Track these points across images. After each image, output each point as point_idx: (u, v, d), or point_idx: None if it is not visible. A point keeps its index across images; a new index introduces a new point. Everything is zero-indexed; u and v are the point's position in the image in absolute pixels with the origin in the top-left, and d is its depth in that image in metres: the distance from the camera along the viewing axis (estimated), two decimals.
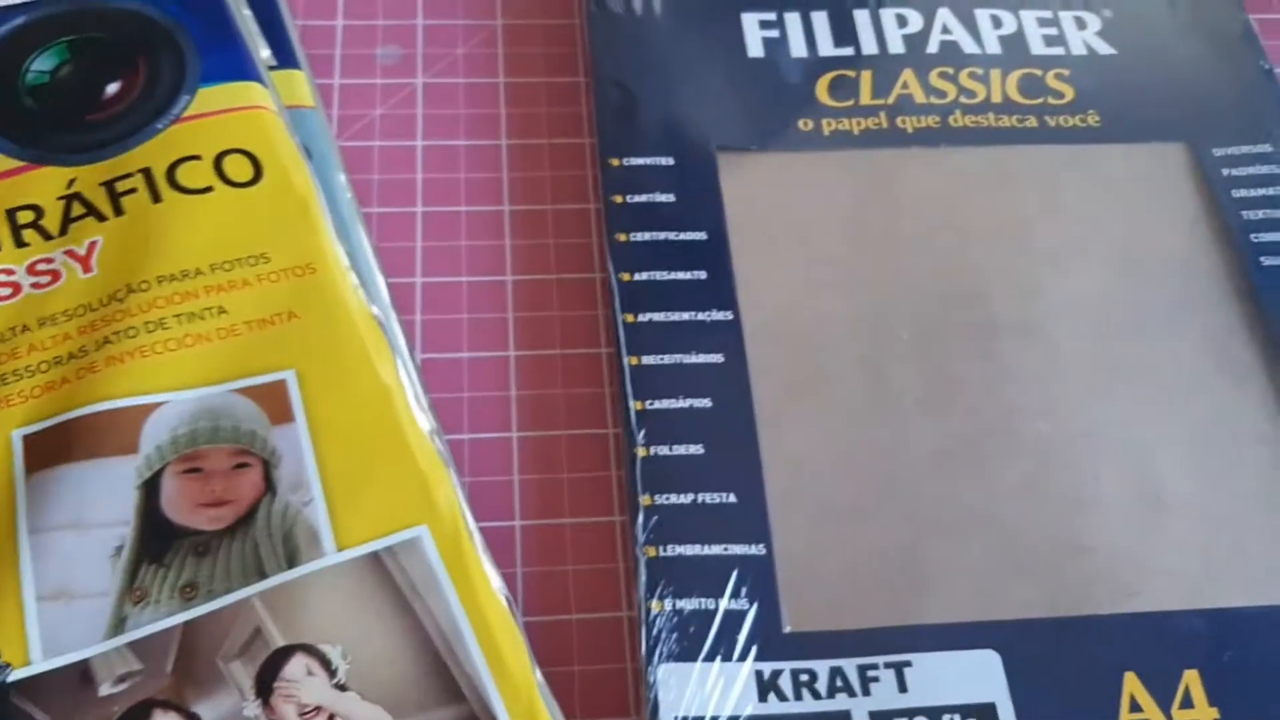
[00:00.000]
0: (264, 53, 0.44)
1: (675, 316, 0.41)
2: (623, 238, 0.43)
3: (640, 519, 0.38)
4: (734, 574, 0.37)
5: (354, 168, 0.45)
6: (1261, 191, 0.46)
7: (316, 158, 0.42)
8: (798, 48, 0.48)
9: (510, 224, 0.45)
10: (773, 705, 0.35)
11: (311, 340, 0.37)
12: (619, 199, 0.44)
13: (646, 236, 0.43)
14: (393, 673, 0.33)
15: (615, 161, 0.45)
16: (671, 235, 0.43)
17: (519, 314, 0.43)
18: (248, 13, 0.44)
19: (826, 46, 0.49)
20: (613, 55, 0.47)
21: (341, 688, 0.32)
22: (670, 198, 0.44)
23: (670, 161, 0.45)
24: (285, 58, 0.44)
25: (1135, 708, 0.35)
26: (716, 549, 0.37)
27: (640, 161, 0.45)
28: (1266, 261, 0.44)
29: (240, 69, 0.42)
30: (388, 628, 0.33)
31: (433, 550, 0.34)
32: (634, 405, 0.40)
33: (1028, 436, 0.40)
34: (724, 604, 0.36)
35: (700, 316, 0.41)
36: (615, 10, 0.48)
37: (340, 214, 0.41)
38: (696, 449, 0.39)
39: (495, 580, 0.35)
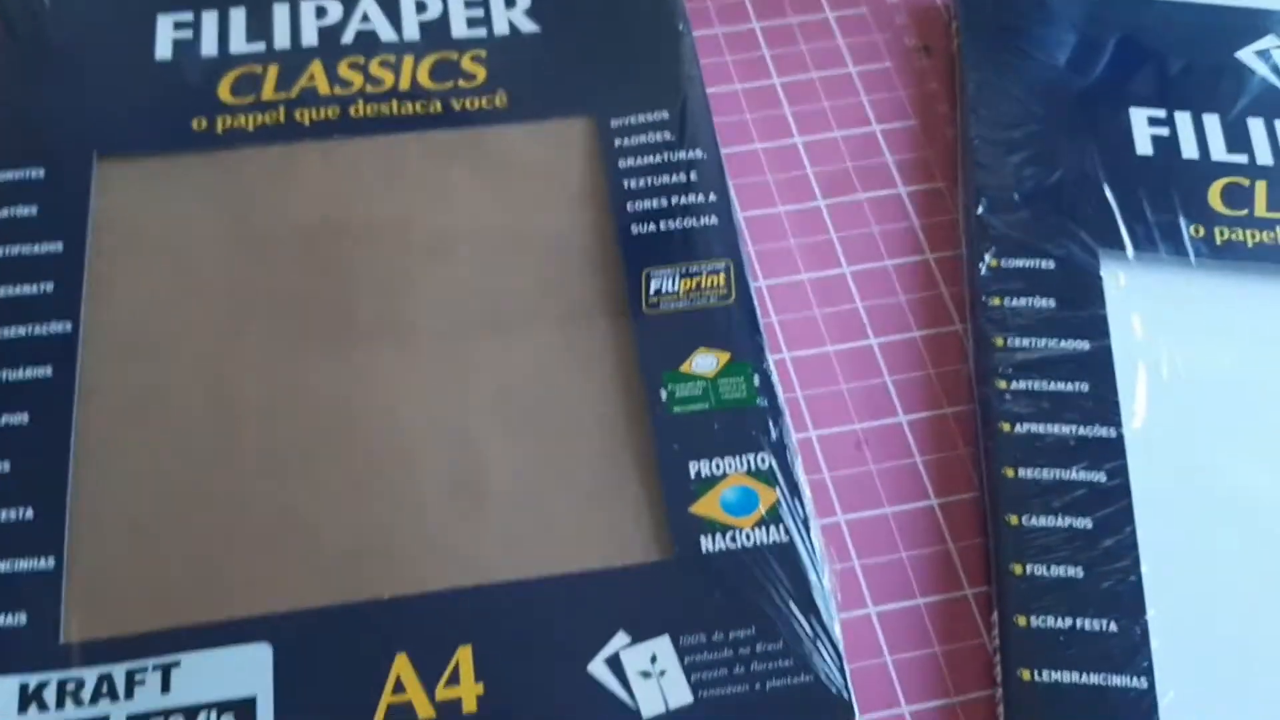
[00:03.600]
0: None
1: (9, 333, 0.41)
2: None
3: None
4: (14, 590, 0.37)
5: None
6: (645, 159, 0.46)
7: None
8: (209, 47, 0.48)
9: None
10: (32, 715, 0.35)
11: None
12: None
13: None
14: None
15: None
16: (26, 249, 0.43)
17: None
18: None
19: (239, 43, 0.48)
20: (5, 64, 0.47)
21: None
22: (32, 210, 0.43)
23: (40, 173, 0.44)
24: None
25: (399, 688, 0.36)
26: (1, 566, 0.37)
27: (9, 176, 0.44)
28: (635, 230, 0.45)
29: None
30: None
31: None
32: None
33: (361, 437, 0.41)
34: None
35: (37, 330, 0.41)
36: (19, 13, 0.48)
37: None
38: (2, 466, 0.39)
39: None
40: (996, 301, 0.43)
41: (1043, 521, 0.39)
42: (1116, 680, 0.37)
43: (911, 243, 0.47)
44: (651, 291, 0.43)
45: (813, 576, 0.38)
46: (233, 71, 0.48)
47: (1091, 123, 0.47)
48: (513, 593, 0.38)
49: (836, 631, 0.38)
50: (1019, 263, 0.43)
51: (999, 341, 0.42)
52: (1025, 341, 0.42)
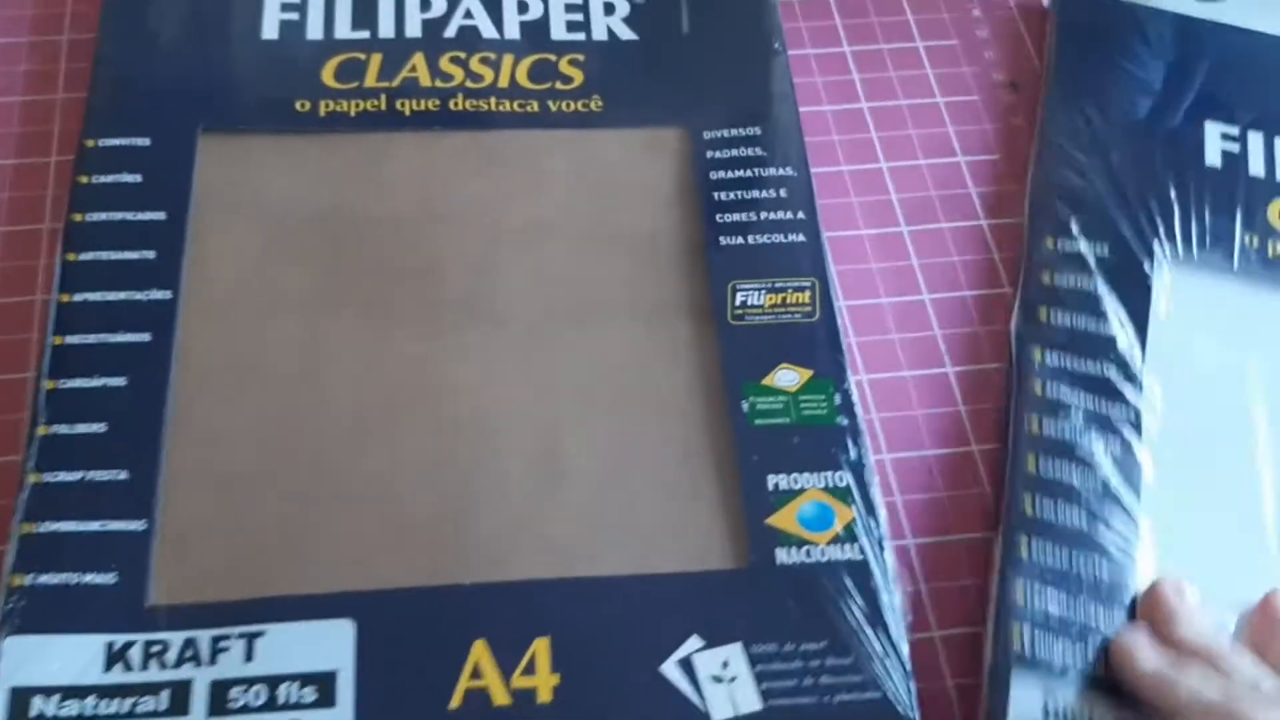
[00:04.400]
0: None
1: (111, 296, 0.42)
2: (79, 218, 0.43)
3: (24, 496, 0.38)
4: (105, 549, 0.38)
5: None
6: (736, 173, 0.47)
7: None
8: (315, 30, 0.49)
9: None
10: (116, 675, 0.36)
11: None
12: (85, 179, 0.44)
13: (103, 217, 0.43)
14: None
15: (91, 143, 0.45)
16: (130, 216, 0.43)
17: None
18: None
19: (344, 29, 0.49)
20: (116, 35, 0.48)
21: None
22: (137, 178, 0.44)
23: (146, 142, 0.45)
24: None
25: (477, 674, 0.37)
26: (94, 525, 0.38)
27: (116, 143, 0.45)
28: (724, 240, 0.45)
29: None
30: None
31: None
32: (45, 385, 0.40)
33: (448, 412, 0.41)
34: (86, 579, 0.37)
35: (137, 296, 0.42)
36: None
37: None
38: (99, 428, 0.40)
39: None
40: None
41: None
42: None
43: (991, 275, 0.47)
44: (737, 303, 0.44)
45: (884, 595, 0.39)
46: (337, 56, 0.48)
47: (1168, 134, 0.49)
48: (591, 588, 0.38)
49: (905, 651, 0.38)
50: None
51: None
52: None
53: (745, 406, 0.42)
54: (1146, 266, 0.45)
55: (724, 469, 0.41)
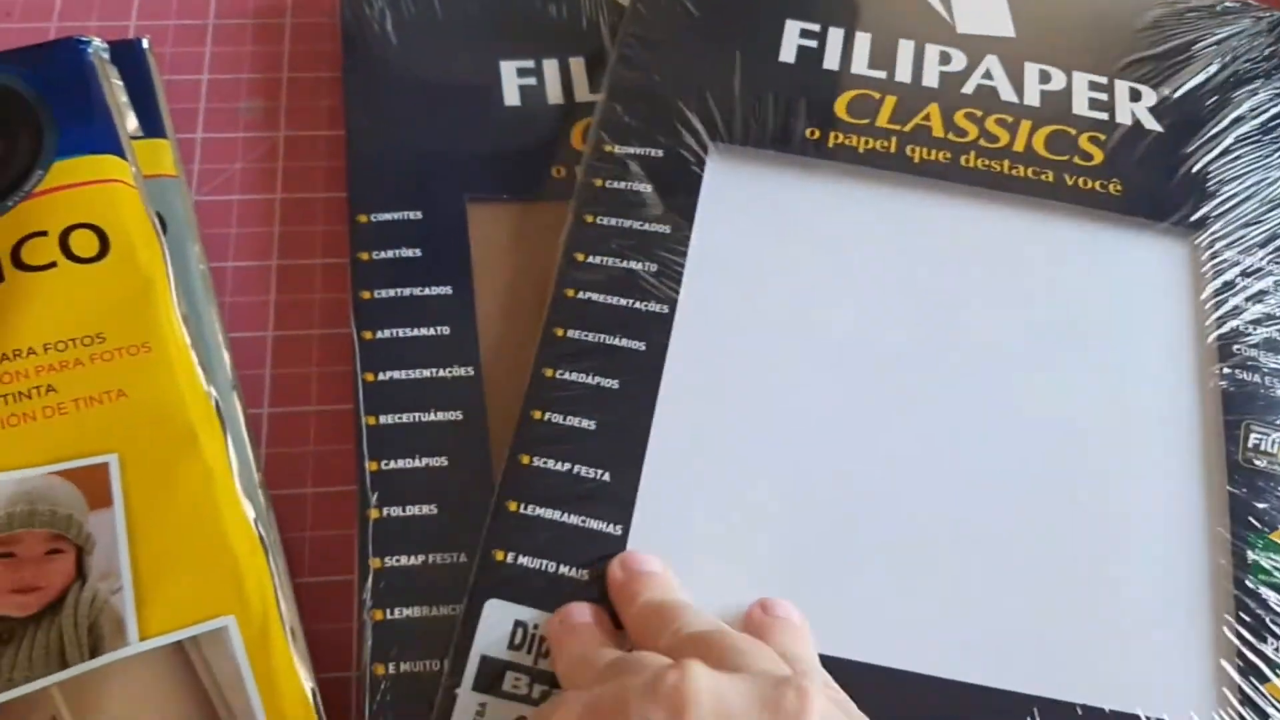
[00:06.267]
0: (130, 123, 0.43)
1: (415, 374, 0.41)
2: (366, 295, 0.42)
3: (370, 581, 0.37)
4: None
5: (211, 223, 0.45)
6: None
7: (173, 229, 0.41)
8: (554, 94, 0.47)
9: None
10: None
11: (138, 421, 0.35)
12: (365, 256, 0.43)
13: (390, 294, 0.42)
14: None
15: (364, 218, 0.44)
16: (416, 291, 0.42)
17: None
18: (118, 82, 0.44)
19: (583, 92, 0.48)
20: (364, 107, 0.47)
21: None
22: (416, 252, 0.43)
23: (418, 215, 0.44)
24: (152, 127, 0.44)
25: None
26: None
27: (388, 217, 0.44)
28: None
29: (100, 142, 0.41)
30: None
31: (238, 643, 0.32)
32: (368, 465, 0.39)
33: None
34: None
35: (441, 373, 0.41)
36: (370, 58, 0.47)
37: (192, 288, 0.40)
38: (430, 509, 0.39)
39: (306, 681, 0.34)
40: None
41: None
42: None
43: None
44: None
45: None
46: (583, 120, 0.47)
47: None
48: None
49: None
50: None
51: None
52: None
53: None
54: (697, 166, 0.43)
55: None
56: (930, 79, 0.48)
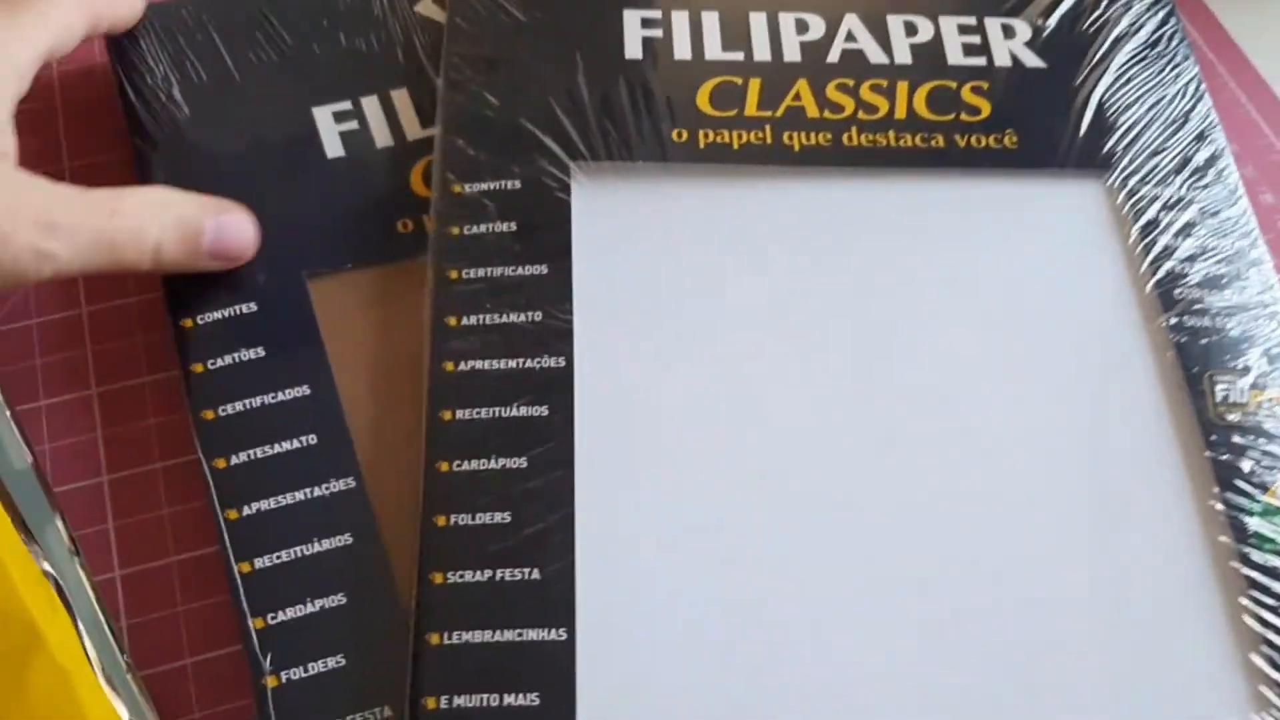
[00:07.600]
0: None
1: (286, 499, 0.35)
2: (209, 415, 0.36)
3: None
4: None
5: None
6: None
7: None
8: (381, 136, 0.42)
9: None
10: None
11: None
12: (199, 368, 0.36)
13: (238, 407, 0.36)
14: None
15: (188, 322, 0.37)
16: (268, 399, 0.36)
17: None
18: None
19: (414, 129, 0.42)
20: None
21: None
22: (260, 351, 0.37)
23: (253, 307, 0.38)
24: None
25: None
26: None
27: (217, 315, 0.37)
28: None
29: None
30: None
31: None
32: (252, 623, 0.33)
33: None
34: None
35: (318, 492, 0.35)
36: (162, 134, 0.41)
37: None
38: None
39: None
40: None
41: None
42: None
43: None
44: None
45: None
46: (421, 160, 0.42)
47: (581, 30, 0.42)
48: None
49: None
50: (483, 186, 0.38)
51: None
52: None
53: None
54: (562, 193, 0.38)
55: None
56: (791, 53, 0.44)
